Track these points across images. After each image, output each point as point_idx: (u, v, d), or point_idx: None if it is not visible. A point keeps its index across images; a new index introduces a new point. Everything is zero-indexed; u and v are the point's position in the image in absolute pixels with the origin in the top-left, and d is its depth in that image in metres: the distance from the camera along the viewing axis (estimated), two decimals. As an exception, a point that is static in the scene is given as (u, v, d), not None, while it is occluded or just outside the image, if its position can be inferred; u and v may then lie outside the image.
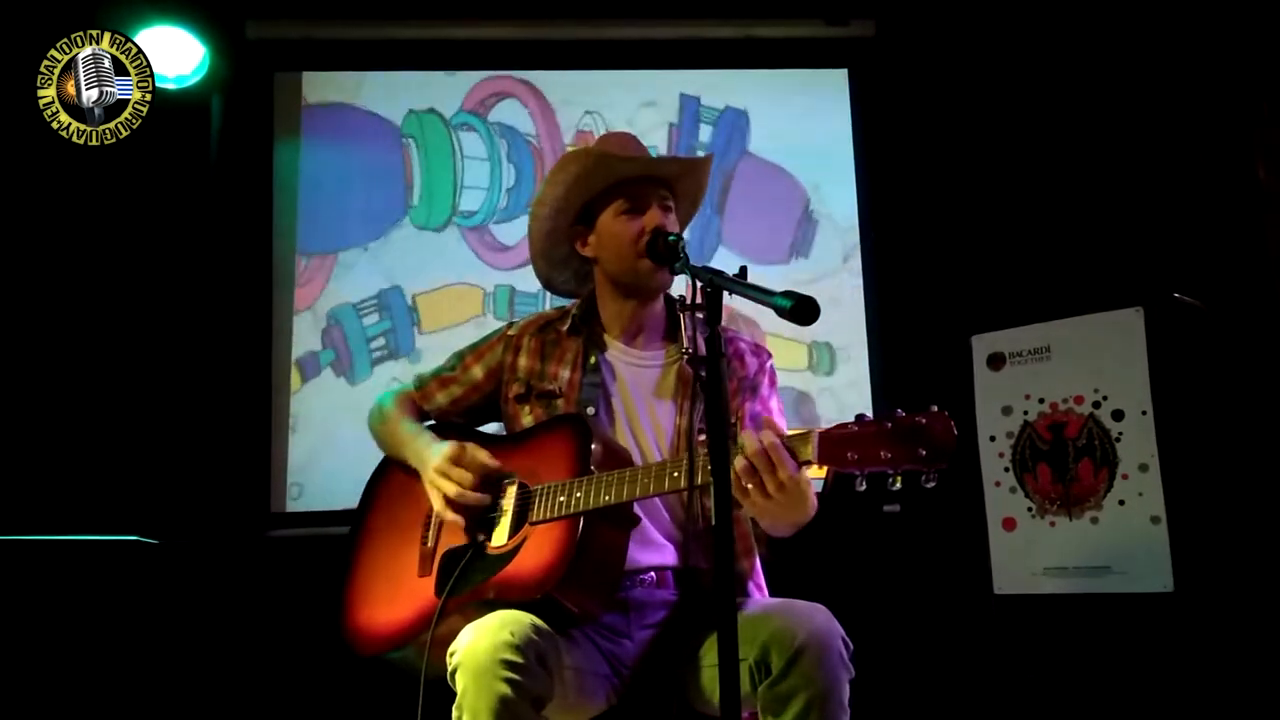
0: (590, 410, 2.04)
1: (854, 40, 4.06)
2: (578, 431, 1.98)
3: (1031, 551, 3.29)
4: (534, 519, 1.92)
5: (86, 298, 3.60)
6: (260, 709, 3.45)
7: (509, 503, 1.98)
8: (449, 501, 1.97)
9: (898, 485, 1.62)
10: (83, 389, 3.55)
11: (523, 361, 2.16)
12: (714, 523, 1.54)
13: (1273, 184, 3.43)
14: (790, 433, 1.74)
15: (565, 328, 2.16)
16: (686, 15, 4.04)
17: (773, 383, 2.18)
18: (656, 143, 4.03)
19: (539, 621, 1.76)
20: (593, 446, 1.93)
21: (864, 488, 1.65)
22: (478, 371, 2.20)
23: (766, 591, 2.11)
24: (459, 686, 1.69)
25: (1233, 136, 3.52)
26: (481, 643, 1.68)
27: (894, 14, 4.02)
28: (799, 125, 4.07)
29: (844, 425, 1.67)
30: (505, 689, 1.64)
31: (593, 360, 2.11)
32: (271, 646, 3.48)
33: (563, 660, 1.81)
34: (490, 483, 2.00)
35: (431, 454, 2.03)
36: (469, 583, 1.91)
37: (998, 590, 3.35)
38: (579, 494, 1.87)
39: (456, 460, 1.99)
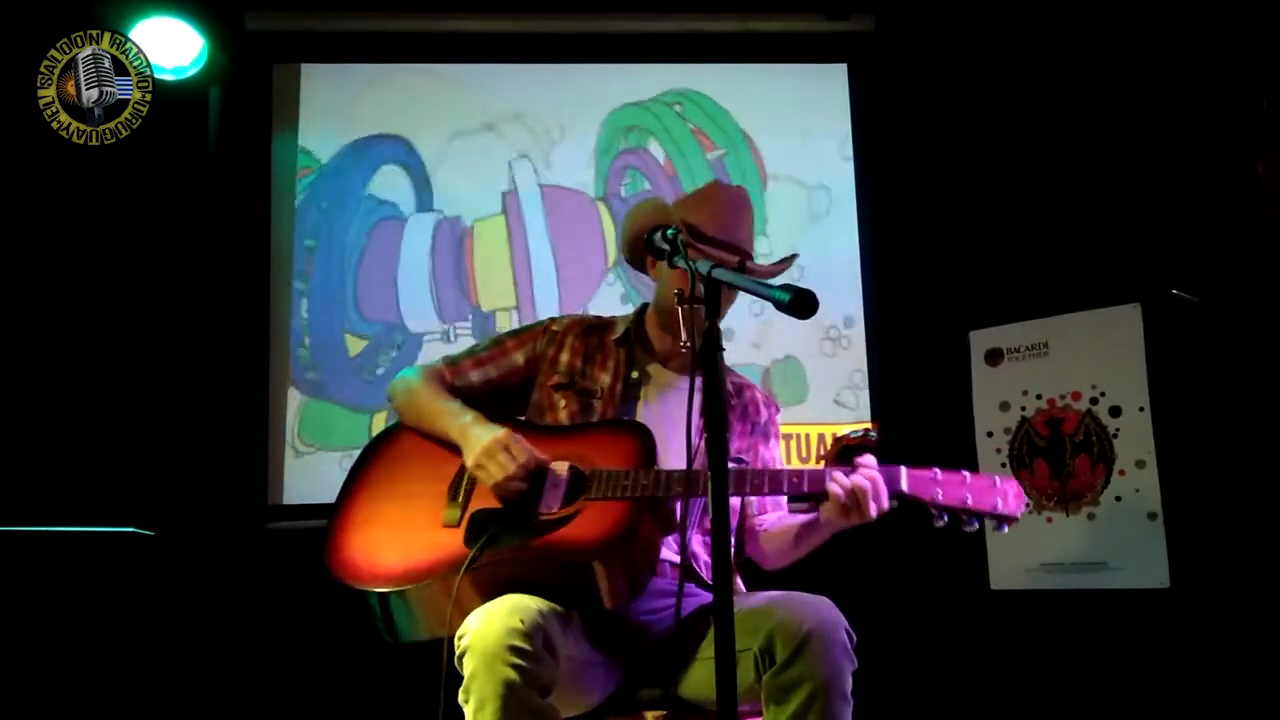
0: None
1: (853, 35, 4.06)
2: (643, 437, 2.00)
3: (1028, 547, 3.30)
4: (592, 495, 1.93)
5: (86, 294, 3.59)
6: (259, 702, 3.45)
7: (561, 479, 1.99)
8: (495, 485, 1.96)
9: (975, 527, 1.87)
10: (82, 383, 3.54)
11: (564, 357, 2.19)
12: (711, 517, 1.53)
13: (1272, 182, 3.43)
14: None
15: (614, 337, 2.21)
16: (685, 9, 4.04)
17: (775, 435, 2.30)
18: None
19: (546, 609, 1.77)
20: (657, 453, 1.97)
21: (944, 521, 1.86)
22: (519, 357, 2.22)
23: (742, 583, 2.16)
24: (467, 670, 1.70)
25: (1233, 134, 3.52)
26: (491, 627, 1.69)
27: (894, 9, 4.02)
28: (797, 120, 4.06)
29: (927, 469, 1.89)
30: (513, 675, 1.65)
31: (634, 375, 2.16)
32: (269, 639, 3.48)
33: (565, 650, 1.81)
34: (534, 474, 1.98)
35: (481, 433, 2.01)
36: (511, 539, 1.90)
37: (994, 586, 3.36)
38: (645, 481, 1.90)
39: (506, 447, 1.97)
